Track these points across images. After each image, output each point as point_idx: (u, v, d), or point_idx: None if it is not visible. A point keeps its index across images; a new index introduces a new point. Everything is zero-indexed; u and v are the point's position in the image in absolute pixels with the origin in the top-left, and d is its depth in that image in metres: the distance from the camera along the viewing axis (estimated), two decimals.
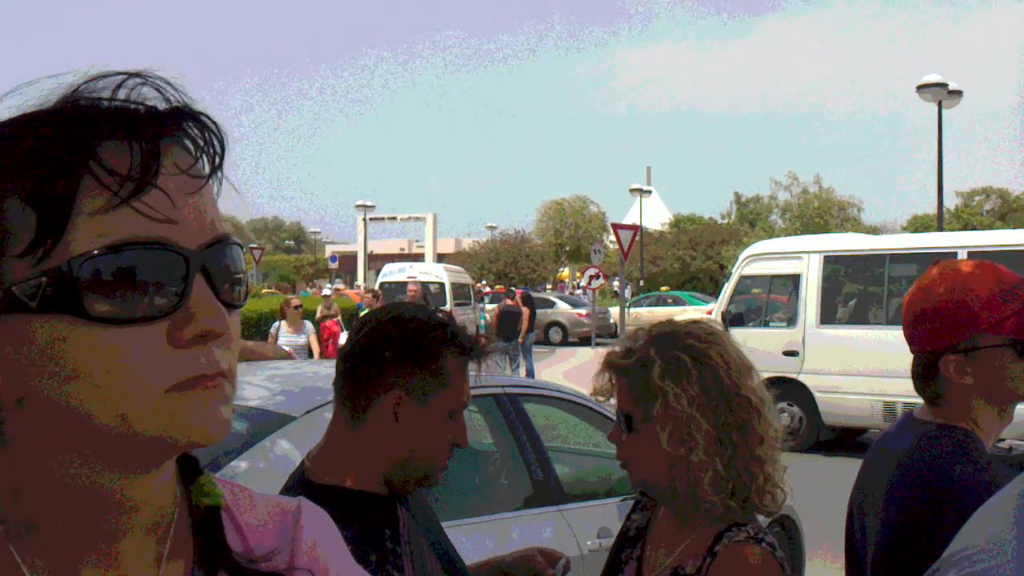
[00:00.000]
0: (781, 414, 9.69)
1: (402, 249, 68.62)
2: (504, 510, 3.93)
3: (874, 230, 47.31)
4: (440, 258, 52.57)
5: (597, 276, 23.02)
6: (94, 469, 0.67)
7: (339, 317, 14.74)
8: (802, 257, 11.66)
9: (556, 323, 29.73)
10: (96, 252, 0.62)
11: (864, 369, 10.54)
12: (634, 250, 25.46)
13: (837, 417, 11.13)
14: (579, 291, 39.28)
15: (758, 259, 12.26)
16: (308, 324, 11.59)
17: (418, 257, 56.03)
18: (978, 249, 10.03)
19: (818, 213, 54.52)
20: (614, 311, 30.41)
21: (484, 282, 42.80)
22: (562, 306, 30.79)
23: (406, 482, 1.68)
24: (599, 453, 5.05)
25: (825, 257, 11.53)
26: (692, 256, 50.37)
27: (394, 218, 60.68)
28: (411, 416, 1.63)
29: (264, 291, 31.80)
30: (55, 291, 0.62)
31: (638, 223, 32.25)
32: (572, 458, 5.26)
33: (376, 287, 23.35)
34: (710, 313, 14.41)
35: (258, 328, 15.94)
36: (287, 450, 3.13)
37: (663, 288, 40.53)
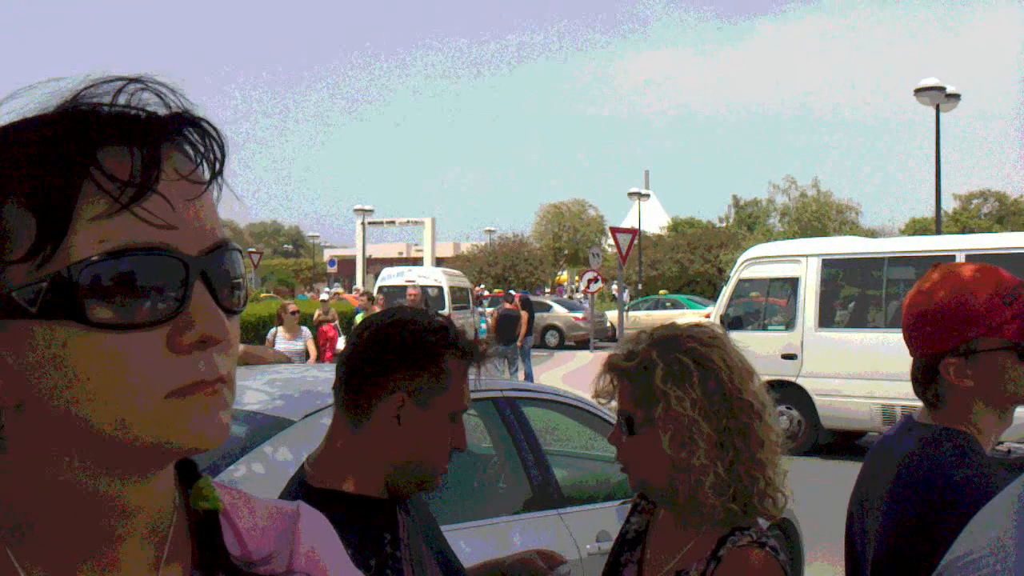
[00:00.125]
0: (780, 417, 9.69)
1: (401, 253, 68.62)
2: (503, 514, 3.92)
3: (872, 233, 47.37)
4: (439, 262, 52.55)
5: (595, 280, 23.02)
6: (93, 474, 0.67)
7: (336, 322, 14.72)
8: (800, 260, 11.67)
9: (553, 327, 29.76)
10: (97, 258, 0.62)
11: (863, 372, 10.55)
12: (632, 254, 25.47)
13: (836, 420, 11.13)
14: (579, 295, 39.31)
15: (756, 263, 12.26)
16: (305, 330, 11.48)
17: (417, 261, 56.02)
18: (976, 252, 10.04)
19: (816, 217, 54.57)
20: (611, 315, 30.44)
21: (483, 286, 42.80)
22: (559, 310, 30.83)
23: (406, 486, 1.68)
24: (598, 457, 5.05)
25: (823, 260, 11.54)
26: (690, 260, 50.38)
27: (393, 222, 60.66)
28: (413, 419, 1.64)
29: (263, 295, 31.75)
30: (55, 296, 0.62)
31: (636, 227, 32.25)
32: (571, 462, 5.26)
33: (374, 291, 23.38)
34: (709, 317, 14.42)
35: (256, 332, 15.90)
36: (286, 454, 3.13)
37: (661, 292, 40.54)
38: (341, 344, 13.78)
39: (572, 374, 17.10)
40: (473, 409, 3.36)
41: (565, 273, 57.99)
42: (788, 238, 31.82)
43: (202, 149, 0.69)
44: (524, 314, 18.06)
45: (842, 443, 11.36)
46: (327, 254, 71.14)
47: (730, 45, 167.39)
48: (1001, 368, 1.77)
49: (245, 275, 0.73)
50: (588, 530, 3.97)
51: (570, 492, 4.33)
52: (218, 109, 0.74)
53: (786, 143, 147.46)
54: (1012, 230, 39.93)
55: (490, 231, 62.99)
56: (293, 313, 11.25)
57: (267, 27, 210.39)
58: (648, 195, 51.96)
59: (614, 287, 34.93)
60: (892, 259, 11.43)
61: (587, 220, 64.03)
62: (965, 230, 49.29)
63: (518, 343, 17.86)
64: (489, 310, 25.01)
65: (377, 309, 13.70)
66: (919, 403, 1.91)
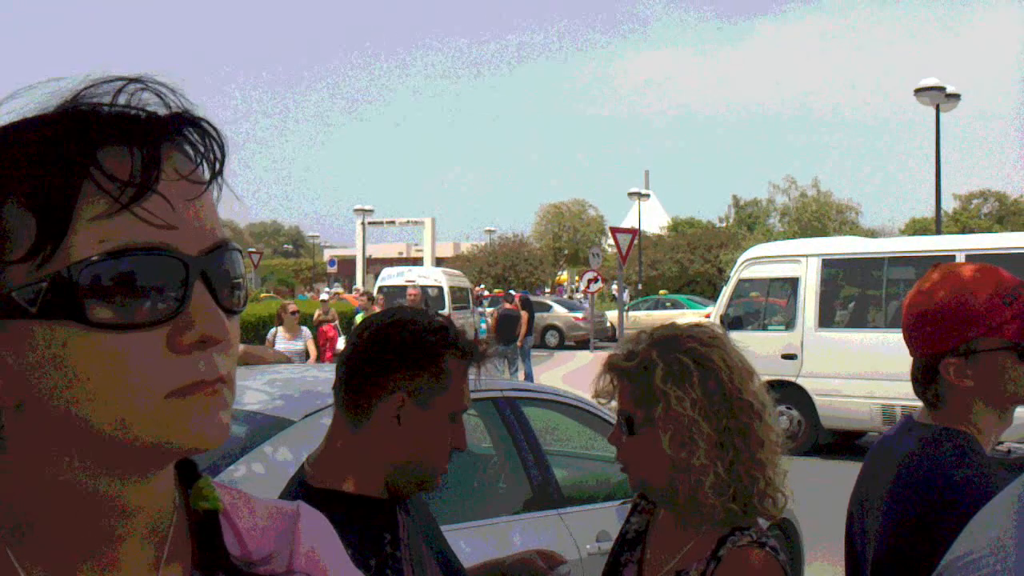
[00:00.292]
0: (780, 417, 9.69)
1: (401, 253, 68.61)
2: (503, 514, 3.92)
3: (872, 233, 47.37)
4: (439, 262, 52.55)
5: (595, 280, 23.02)
6: (93, 474, 0.67)
7: (336, 322, 14.69)
8: (800, 260, 11.67)
9: (553, 327, 29.77)
10: (97, 258, 0.62)
11: (863, 372, 10.55)
12: (632, 254, 25.48)
13: (836, 420, 11.13)
14: (579, 295, 39.29)
15: (756, 263, 12.26)
16: (305, 330, 11.44)
17: (417, 261, 56.01)
18: (976, 252, 10.04)
19: (816, 217, 54.56)
20: (611, 315, 30.45)
21: (483, 286, 42.80)
22: (559, 310, 30.83)
23: (406, 486, 1.68)
24: (598, 457, 5.05)
25: (823, 260, 11.54)
26: (690, 260, 50.37)
27: (393, 222, 60.65)
28: (413, 419, 1.64)
29: (262, 295, 31.75)
30: (55, 296, 0.62)
31: (636, 227, 32.25)
32: (571, 462, 5.26)
33: (374, 291, 23.38)
34: (709, 317, 14.43)
35: (257, 332, 15.90)
36: (286, 454, 3.13)
37: (661, 292, 40.55)
38: (341, 344, 13.78)
39: (572, 374, 17.10)
40: (473, 409, 3.36)
41: (565, 273, 58.00)
42: (788, 238, 31.82)
43: (202, 149, 0.69)
44: (524, 314, 18.06)
45: (842, 443, 11.36)
46: (327, 254, 71.14)
47: (730, 45, 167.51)
48: (1001, 368, 1.77)
49: (245, 275, 0.73)
50: (588, 530, 3.97)
51: (570, 492, 4.33)
52: (218, 109, 0.75)
53: (786, 143, 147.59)
54: (1012, 230, 39.93)
55: (490, 231, 63.00)
56: (293, 313, 11.21)
57: (267, 27, 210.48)
58: (648, 195, 51.95)
59: (614, 287, 34.93)
60: (892, 259, 11.43)
61: (587, 220, 64.04)
62: (965, 230, 49.29)
63: (518, 343, 17.86)
64: (489, 310, 25.01)
65: (377, 309, 13.70)
66: (919, 403, 1.91)
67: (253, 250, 40.77)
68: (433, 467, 1.68)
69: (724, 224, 60.49)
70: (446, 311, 22.00)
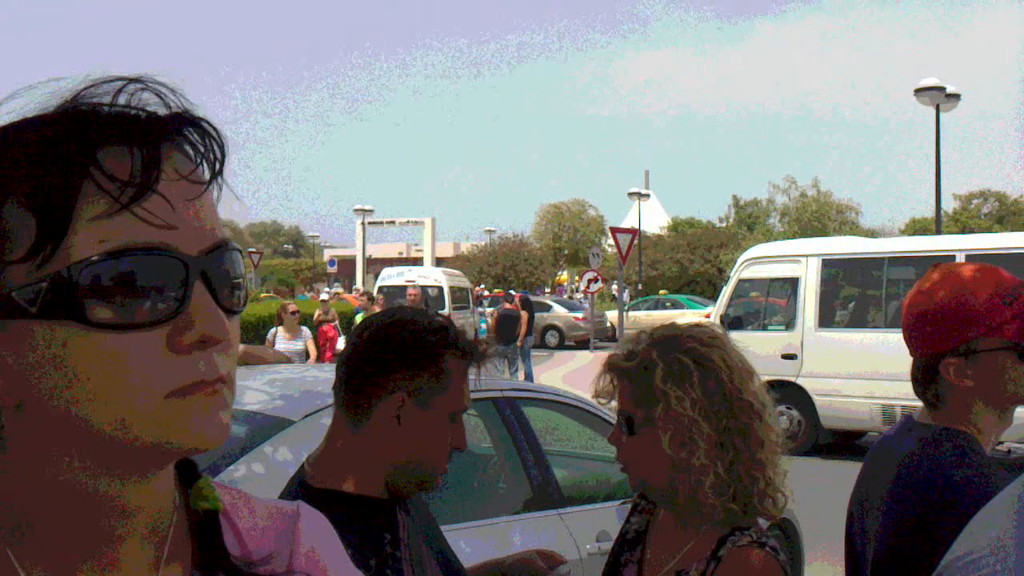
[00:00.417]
0: (779, 417, 9.70)
1: (401, 253, 68.60)
2: (503, 514, 3.92)
3: (872, 233, 47.36)
4: (439, 262, 52.54)
5: (595, 280, 23.02)
6: (93, 474, 0.67)
7: (336, 322, 14.66)
8: (800, 260, 11.67)
9: (553, 327, 29.76)
10: (97, 258, 0.62)
11: (862, 372, 10.55)
12: (632, 254, 25.47)
13: (836, 420, 11.13)
14: (579, 295, 39.28)
15: (756, 263, 12.26)
16: (305, 330, 11.39)
17: (417, 261, 56.02)
18: (976, 252, 10.04)
19: (816, 217, 54.55)
20: (611, 315, 30.45)
21: (483, 286, 42.79)
22: (559, 310, 30.83)
23: (407, 486, 1.68)
24: (598, 457, 5.05)
25: (823, 260, 11.54)
26: (690, 260, 50.36)
27: (393, 222, 60.64)
28: (414, 419, 1.64)
29: (263, 295, 31.75)
30: (56, 297, 0.62)
31: (636, 227, 32.25)
32: (571, 462, 5.26)
33: (374, 291, 23.36)
34: (709, 317, 14.42)
35: (257, 332, 15.89)
36: (286, 454, 3.13)
37: (661, 292, 40.54)
38: (341, 344, 13.76)
39: (572, 374, 17.10)
40: (473, 409, 3.36)
41: (565, 273, 57.99)
42: (788, 238, 31.81)
43: (202, 149, 0.69)
44: (524, 314, 18.06)
45: (842, 443, 11.36)
46: (327, 254, 71.12)
47: (730, 45, 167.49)
48: (1001, 368, 1.77)
49: (245, 275, 0.73)
50: (588, 530, 3.97)
51: (570, 492, 4.33)
52: (218, 109, 0.75)
53: (786, 143, 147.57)
54: (1012, 230, 39.93)
55: (490, 231, 62.99)
56: (293, 313, 11.17)
57: (267, 27, 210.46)
58: (648, 195, 51.94)
59: (614, 287, 34.93)
60: (892, 259, 11.43)
61: (587, 220, 64.03)
62: (965, 230, 49.30)
63: (518, 343, 17.86)
64: (490, 310, 25.00)
65: (377, 309, 13.68)
66: (919, 403, 1.91)
67: (253, 250, 40.76)
68: (433, 467, 1.68)
69: (724, 224, 60.48)
70: (446, 311, 22.01)
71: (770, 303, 12.51)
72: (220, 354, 0.67)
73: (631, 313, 29.24)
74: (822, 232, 46.89)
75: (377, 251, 63.81)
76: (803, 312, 11.37)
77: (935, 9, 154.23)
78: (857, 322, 11.60)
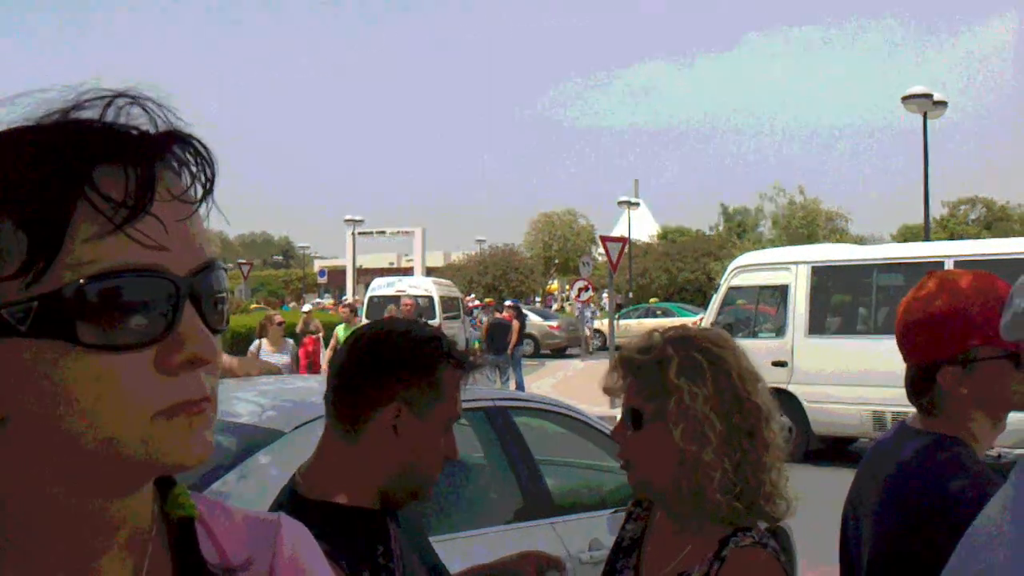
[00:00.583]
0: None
1: (391, 263, 68.42)
2: (495, 523, 3.92)
3: (861, 240, 47.47)
4: (429, 272, 52.45)
5: (586, 288, 23.03)
6: (77, 490, 0.66)
7: (320, 334, 14.19)
8: (790, 268, 11.71)
9: (528, 335, 29.66)
10: (89, 278, 0.62)
11: (853, 379, 10.57)
12: (623, 262, 25.48)
13: (827, 427, 11.15)
14: (568, 304, 39.23)
15: (746, 270, 12.30)
16: (290, 343, 10.96)
17: (407, 271, 55.88)
18: (964, 258, 10.08)
19: (804, 224, 54.66)
20: (598, 324, 30.43)
21: (473, 295, 42.72)
22: (534, 318, 30.67)
23: (401, 496, 1.67)
24: (589, 465, 5.04)
25: (813, 268, 11.58)
26: (680, 268, 50.39)
27: (383, 232, 60.51)
28: (410, 429, 1.63)
29: (252, 306, 31.63)
30: (46, 316, 0.62)
31: (626, 235, 32.27)
32: (562, 470, 5.24)
33: (364, 301, 23.33)
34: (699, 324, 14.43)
35: (248, 343, 15.82)
36: (277, 466, 3.12)
37: (652, 300, 40.54)
38: (324, 356, 13.45)
39: (562, 383, 17.10)
40: (464, 419, 3.35)
41: (555, 282, 57.96)
42: (777, 246, 31.91)
43: (194, 169, 0.69)
44: (515, 323, 18.05)
45: (833, 449, 11.37)
46: (317, 265, 70.91)
47: (718, 55, 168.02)
48: (998, 377, 1.77)
49: (228, 292, 0.73)
50: (580, 538, 3.96)
51: (562, 501, 4.32)
52: (209, 117, 0.74)
53: (775, 152, 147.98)
54: (1000, 236, 40.11)
55: (480, 240, 62.95)
56: (279, 324, 10.61)
57: (259, 35, 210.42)
58: (638, 204, 51.97)
59: (604, 295, 34.93)
60: (881, 266, 11.48)
61: (577, 229, 64.00)
62: (953, 236, 49.49)
63: (509, 352, 17.85)
64: (485, 319, 24.95)
65: (360, 322, 13.55)
66: (910, 409, 1.91)
67: (243, 261, 40.62)
68: (427, 477, 1.68)
69: (714, 232, 60.56)
70: (436, 321, 21.98)
71: (760, 311, 12.54)
72: (206, 373, 0.68)
73: (622, 321, 29.22)
74: (810, 239, 47.01)
75: (367, 261, 63.64)
76: (793, 319, 11.40)
77: (922, 19, 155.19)
78: (847, 329, 11.64)
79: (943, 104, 18.68)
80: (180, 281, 0.66)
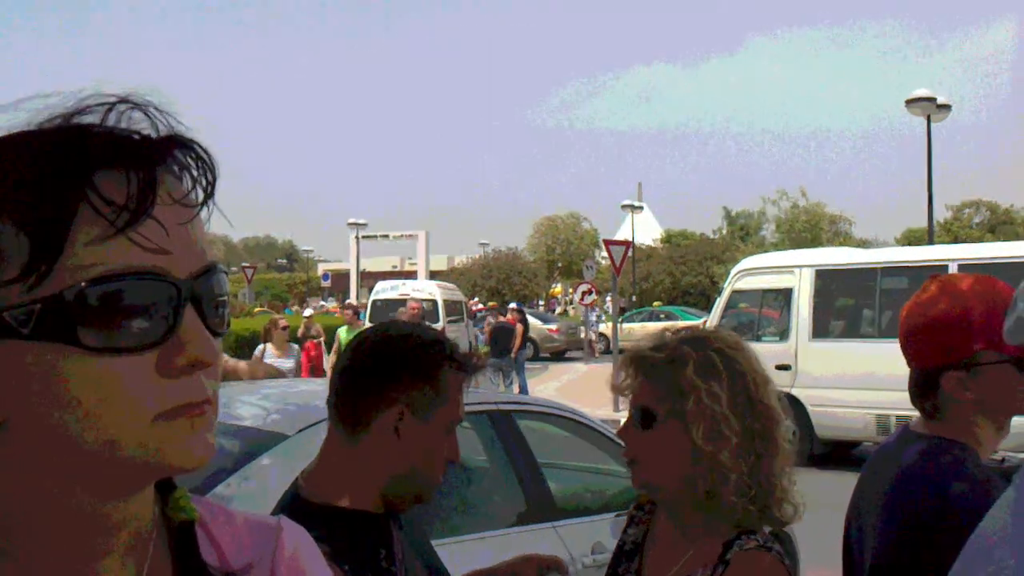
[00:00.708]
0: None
1: (394, 267, 68.42)
2: (498, 527, 3.91)
3: (864, 244, 47.43)
4: (433, 275, 52.42)
5: (590, 292, 23.00)
6: (78, 492, 0.67)
7: (322, 338, 14.12)
8: (794, 271, 11.69)
9: (527, 339, 29.61)
10: (90, 281, 0.62)
11: (857, 382, 10.55)
12: (626, 266, 25.49)
13: (830, 430, 11.13)
14: (584, 307, 39.14)
15: (750, 274, 12.28)
16: (295, 347, 10.92)
17: (411, 274, 55.87)
18: (968, 261, 10.07)
19: (807, 227, 54.59)
20: (600, 327, 30.43)
21: (476, 299, 42.70)
22: (533, 322, 30.59)
23: (404, 499, 1.67)
24: (592, 469, 5.04)
25: (817, 271, 11.56)
26: (683, 272, 50.33)
27: (386, 236, 60.62)
28: (413, 432, 1.63)
29: (256, 310, 31.62)
30: (48, 319, 0.62)
31: (630, 239, 32.25)
32: (565, 474, 5.24)
33: (368, 304, 23.31)
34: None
35: (252, 346, 15.81)
36: (280, 469, 3.12)
37: (655, 303, 40.50)
38: (327, 360, 13.42)
39: (566, 387, 17.09)
40: (468, 422, 3.35)
41: (559, 286, 57.94)
42: (780, 249, 31.88)
43: (195, 172, 0.70)
44: (519, 327, 18.04)
45: (837, 453, 11.35)
46: (321, 268, 71.05)
47: (722, 58, 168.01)
48: (1003, 381, 1.77)
49: (229, 295, 0.74)
50: (583, 542, 3.96)
51: (565, 504, 4.32)
52: (209, 123, 0.75)
53: (778, 155, 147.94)
54: (1003, 239, 40.06)
55: (484, 244, 62.93)
56: (284, 328, 10.55)
57: (261, 36, 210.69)
58: (641, 207, 51.96)
59: (608, 299, 34.93)
60: (885, 269, 11.45)
61: (581, 233, 63.94)
62: (957, 240, 49.42)
63: (512, 355, 17.83)
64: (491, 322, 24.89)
65: (363, 325, 13.50)
66: (914, 413, 1.91)
67: (247, 265, 40.63)
68: (430, 480, 1.68)
69: (717, 236, 60.51)
70: (440, 324, 21.99)
71: (764, 314, 12.52)
72: (207, 376, 0.68)
73: (625, 325, 29.23)
74: (815, 243, 46.95)
75: (371, 265, 63.70)
76: (797, 323, 11.38)
77: (925, 21, 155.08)
78: (851, 332, 11.61)
79: (947, 107, 18.67)
80: (181, 284, 0.66)
